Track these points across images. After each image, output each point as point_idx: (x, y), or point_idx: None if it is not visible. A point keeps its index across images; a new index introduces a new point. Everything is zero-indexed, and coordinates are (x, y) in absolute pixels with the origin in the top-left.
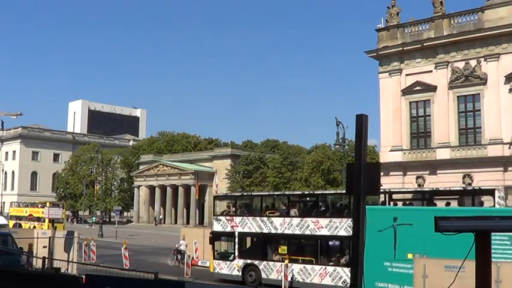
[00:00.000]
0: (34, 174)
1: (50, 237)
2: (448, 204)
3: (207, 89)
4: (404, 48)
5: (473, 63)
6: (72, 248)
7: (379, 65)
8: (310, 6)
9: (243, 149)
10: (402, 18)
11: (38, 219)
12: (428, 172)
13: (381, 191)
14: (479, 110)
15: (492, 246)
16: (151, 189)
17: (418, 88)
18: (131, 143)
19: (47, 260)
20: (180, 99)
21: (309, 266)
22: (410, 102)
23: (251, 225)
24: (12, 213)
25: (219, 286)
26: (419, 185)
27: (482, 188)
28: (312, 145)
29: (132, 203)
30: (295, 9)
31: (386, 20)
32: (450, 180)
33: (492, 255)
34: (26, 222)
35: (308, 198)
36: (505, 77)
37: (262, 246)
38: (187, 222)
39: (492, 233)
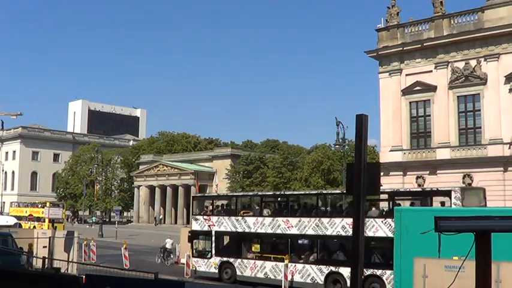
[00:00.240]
0: (34, 174)
1: (50, 237)
2: (412, 204)
3: (207, 89)
4: (404, 48)
5: (473, 63)
6: (72, 248)
7: (379, 65)
8: (310, 6)
9: (243, 149)
10: (402, 18)
11: (38, 219)
12: (428, 172)
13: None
14: (479, 110)
15: None
16: (151, 189)
17: (418, 88)
18: (131, 143)
19: (47, 260)
20: (180, 99)
21: (280, 264)
22: (410, 102)
23: (227, 224)
24: (12, 213)
25: (219, 286)
26: (419, 185)
27: (439, 189)
28: (312, 145)
29: (132, 203)
30: (295, 9)
31: (386, 20)
32: (450, 180)
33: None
34: (26, 222)
35: (279, 199)
36: (505, 77)
37: (237, 244)
38: (187, 222)
39: None
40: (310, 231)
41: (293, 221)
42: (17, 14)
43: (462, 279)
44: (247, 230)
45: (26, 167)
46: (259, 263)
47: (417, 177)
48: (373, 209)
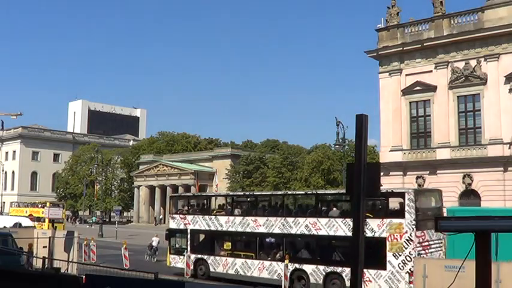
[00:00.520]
0: (34, 174)
1: (50, 237)
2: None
3: (207, 89)
4: (404, 48)
5: (473, 63)
6: (72, 248)
7: (379, 65)
8: (310, 6)
9: (243, 149)
10: (402, 18)
11: (38, 219)
12: (428, 172)
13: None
14: (479, 110)
15: None
16: (151, 189)
17: (418, 88)
18: (131, 143)
19: (47, 260)
20: (180, 99)
21: (249, 261)
22: (410, 102)
23: (201, 223)
24: (12, 213)
25: (219, 286)
26: (419, 185)
27: (394, 190)
28: (312, 145)
29: (132, 203)
30: (295, 9)
31: (387, 20)
32: (450, 180)
33: None
34: None
35: (249, 199)
36: (505, 77)
37: (211, 242)
38: None
39: None
40: (277, 230)
41: (261, 220)
42: (17, 14)
43: (462, 279)
44: (219, 229)
45: (26, 167)
46: (230, 260)
47: (417, 177)
48: (334, 209)
